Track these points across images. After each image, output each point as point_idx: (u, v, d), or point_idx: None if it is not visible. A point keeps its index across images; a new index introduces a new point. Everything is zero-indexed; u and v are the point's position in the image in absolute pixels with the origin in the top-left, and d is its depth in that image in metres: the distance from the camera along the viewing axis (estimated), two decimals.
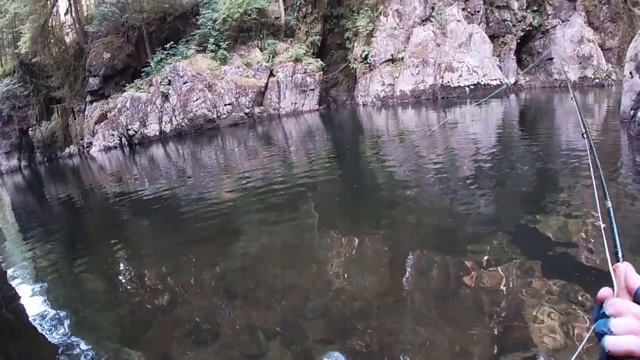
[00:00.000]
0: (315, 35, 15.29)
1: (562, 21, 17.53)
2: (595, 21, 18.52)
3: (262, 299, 2.62)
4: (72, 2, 20.46)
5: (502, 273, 2.44)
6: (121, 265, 4.07)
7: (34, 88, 21.17)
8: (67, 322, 2.89)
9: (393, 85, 14.52)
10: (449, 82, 14.75)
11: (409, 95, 14.45)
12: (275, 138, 12.16)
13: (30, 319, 3.08)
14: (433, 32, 14.95)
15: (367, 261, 2.99)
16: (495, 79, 15.22)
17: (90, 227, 6.18)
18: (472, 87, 14.85)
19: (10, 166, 21.49)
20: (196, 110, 14.45)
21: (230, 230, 4.18)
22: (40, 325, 2.90)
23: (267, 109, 14.54)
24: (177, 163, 11.37)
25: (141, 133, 15.23)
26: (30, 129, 20.66)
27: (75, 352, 2.44)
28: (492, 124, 10.27)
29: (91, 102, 17.49)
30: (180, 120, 14.63)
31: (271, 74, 14.62)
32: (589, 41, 17.36)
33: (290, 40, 15.00)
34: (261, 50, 14.94)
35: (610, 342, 0.38)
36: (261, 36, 14.99)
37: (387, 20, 14.93)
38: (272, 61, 14.62)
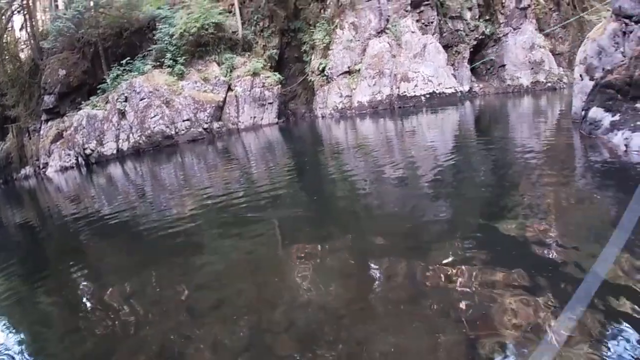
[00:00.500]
0: (273, 49, 15.40)
1: (514, 29, 18.31)
2: (546, 27, 19.45)
3: (227, 315, 2.60)
4: (27, 17, 19.86)
5: (466, 274, 2.50)
6: (82, 288, 4.00)
7: None
8: (27, 350, 2.83)
9: (351, 96, 14.78)
10: (405, 92, 15.14)
11: (366, 106, 14.74)
12: (234, 153, 12.14)
13: None
14: (388, 43, 15.33)
15: (331, 271, 3.00)
16: (450, 87, 15.72)
17: (49, 250, 6.06)
18: (427, 96, 15.29)
19: None
20: (154, 127, 14.26)
21: (192, 248, 4.16)
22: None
23: (226, 124, 14.51)
24: (135, 182, 11.20)
25: (98, 152, 14.89)
26: None
27: None
28: (448, 130, 10.60)
29: (47, 120, 16.99)
30: (138, 138, 14.40)
31: (229, 89, 14.62)
32: (540, 47, 18.19)
33: (248, 55, 15.05)
34: (219, 64, 14.92)
35: None
36: (219, 50, 14.98)
37: (343, 33, 15.21)
38: (230, 75, 14.62)
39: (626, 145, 4.69)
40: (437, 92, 15.58)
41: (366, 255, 3.15)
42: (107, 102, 15.35)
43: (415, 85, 15.40)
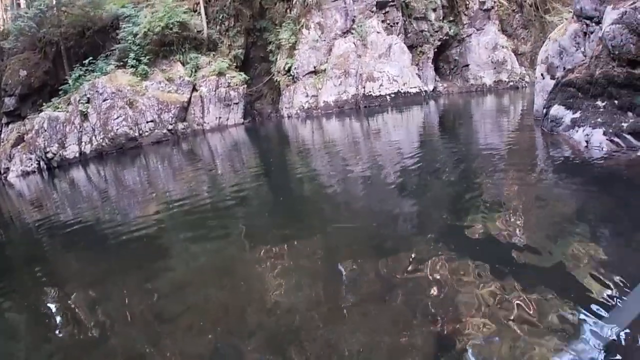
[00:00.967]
0: (239, 49, 15.39)
1: (477, 30, 18.87)
2: (509, 28, 20.10)
3: (194, 322, 2.56)
4: None
5: (433, 271, 2.56)
6: (46, 297, 3.91)
7: None
8: None
9: (317, 96, 14.95)
10: (370, 91, 15.42)
11: (332, 106, 14.94)
12: (200, 154, 12.12)
13: None
14: (354, 43, 15.56)
15: (299, 273, 3.00)
16: (415, 87, 16.09)
17: (10, 260, 5.92)
18: (392, 95, 15.61)
19: None
20: (117, 129, 14.06)
21: (158, 252, 4.12)
22: None
23: (190, 125, 14.44)
24: (99, 186, 11.05)
25: (60, 155, 14.56)
26: None
27: None
28: (414, 129, 10.87)
29: (7, 124, 16.48)
30: (101, 140, 14.17)
31: (194, 89, 14.54)
32: (502, 47, 18.80)
33: (213, 54, 15.00)
34: (183, 64, 14.82)
35: None
36: (183, 50, 14.87)
37: (309, 33, 15.35)
38: (195, 75, 14.55)
39: (587, 142, 4.89)
40: (402, 91, 15.93)
41: (334, 255, 3.18)
42: (69, 104, 15.02)
43: (381, 85, 15.70)
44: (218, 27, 15.31)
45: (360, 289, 2.60)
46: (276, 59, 15.37)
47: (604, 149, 4.62)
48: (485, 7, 18.56)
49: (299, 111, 14.79)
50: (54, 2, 16.89)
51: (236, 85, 14.47)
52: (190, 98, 14.33)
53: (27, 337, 3.18)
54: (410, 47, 17.02)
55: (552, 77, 6.41)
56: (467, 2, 18.39)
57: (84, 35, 16.12)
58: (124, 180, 11.29)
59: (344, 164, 6.74)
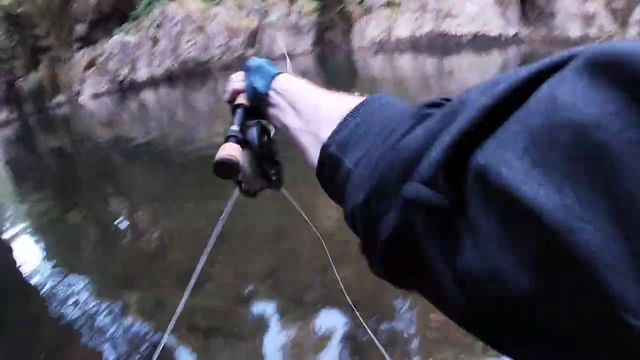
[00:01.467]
0: None
1: None
2: None
3: (251, 244, 2.62)
4: None
5: None
6: (112, 211, 4.06)
7: (20, 39, 20.44)
8: (61, 274, 2.87)
9: (390, 30, 14.09)
10: (447, 29, 14.33)
11: (406, 41, 14.06)
12: None
13: (23, 273, 3.06)
14: None
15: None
16: (496, 30, 14.79)
17: (82, 175, 6.19)
18: (471, 36, 14.45)
19: None
20: (187, 54, 14.04)
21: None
22: (35, 279, 2.88)
23: (259, 51, 14.13)
24: (168, 107, 11.20)
25: (130, 78, 14.86)
26: (17, 80, 20.10)
27: (68, 300, 2.45)
28: (490, 75, 10.10)
29: (79, 49, 16.95)
30: (171, 64, 14.24)
31: (264, 15, 14.12)
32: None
33: None
34: None
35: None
36: None
37: None
38: (266, 2, 14.09)
39: None
40: (482, 32, 14.68)
41: None
42: (139, 29, 15.12)
43: (459, 24, 14.53)
44: None
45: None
46: None
47: None
48: None
49: (370, 44, 14.06)
50: None
51: (307, 13, 13.90)
52: (259, 24, 13.95)
53: (92, 246, 3.28)
54: None
55: None
56: None
57: None
58: (192, 103, 11.32)
59: (413, 102, 6.43)
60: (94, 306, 2.37)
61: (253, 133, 0.48)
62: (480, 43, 14.26)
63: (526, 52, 14.65)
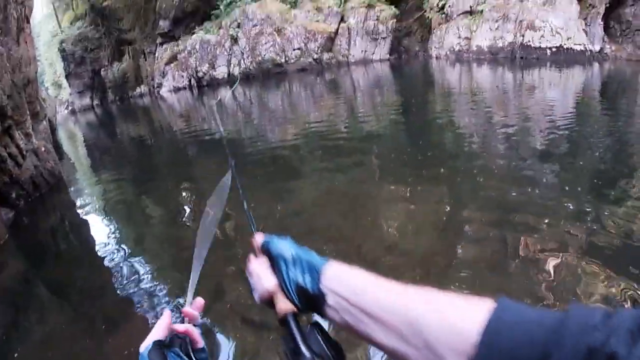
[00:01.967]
0: None
1: None
2: None
3: (315, 245, 2.54)
4: None
5: (557, 255, 2.30)
6: (184, 201, 4.25)
7: (105, 31, 22.22)
8: (129, 252, 3.06)
9: (469, 39, 13.81)
10: (529, 41, 13.80)
11: (485, 52, 13.72)
12: (342, 86, 12.13)
13: (95, 247, 3.31)
14: None
15: (422, 220, 2.93)
16: (580, 44, 14.03)
17: (158, 164, 6.46)
18: (554, 49, 13.82)
19: (83, 105, 23.13)
20: (264, 54, 14.62)
21: (290, 174, 4.24)
22: (104, 253, 3.11)
23: (335, 56, 14.42)
24: (244, 105, 11.70)
25: (210, 75, 15.72)
26: (102, 69, 21.92)
27: (134, 281, 2.59)
28: (572, 92, 9.60)
29: (161, 44, 18.15)
30: (249, 64, 14.90)
31: (342, 20, 14.36)
32: None
33: None
34: None
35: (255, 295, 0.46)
36: None
37: None
38: (344, 6, 14.31)
39: None
40: (565, 47, 14.02)
41: (459, 212, 2.96)
42: (220, 28, 15.94)
43: (542, 36, 13.95)
44: None
45: (478, 253, 2.40)
46: None
47: None
48: None
49: (448, 52, 13.88)
50: None
51: (385, 19, 13.95)
52: (337, 29, 14.22)
53: (163, 232, 3.41)
54: None
55: None
56: None
57: None
58: (267, 102, 11.72)
59: (490, 118, 6.13)
60: (152, 289, 2.46)
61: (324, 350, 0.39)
62: (564, 57, 13.61)
63: (611, 69, 13.76)
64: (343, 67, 14.26)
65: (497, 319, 0.30)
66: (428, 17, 14.09)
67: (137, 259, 2.95)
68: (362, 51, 14.22)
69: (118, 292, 2.56)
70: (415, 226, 2.87)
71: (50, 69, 30.57)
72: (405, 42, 13.97)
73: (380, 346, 0.35)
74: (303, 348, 0.38)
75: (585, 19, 15.30)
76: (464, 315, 0.31)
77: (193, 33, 16.58)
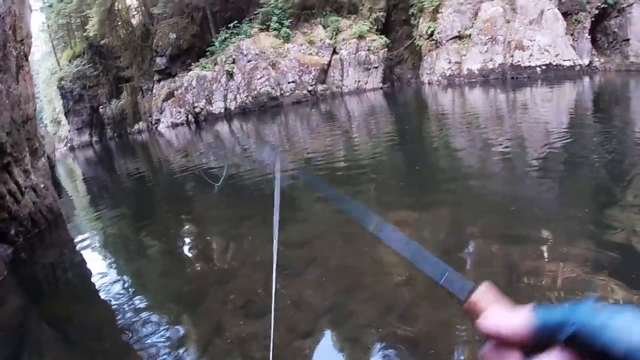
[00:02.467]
0: (379, 12, 15.08)
1: None
2: None
3: (314, 277, 2.65)
4: None
5: (562, 268, 2.33)
6: (183, 236, 4.24)
7: (104, 68, 22.72)
8: (128, 288, 3.06)
9: (460, 63, 14.10)
10: (519, 61, 14.08)
11: (476, 74, 13.99)
12: (337, 116, 12.31)
13: (94, 284, 3.30)
14: (502, 7, 14.25)
15: (424, 244, 2.86)
16: (569, 60, 14.32)
17: (157, 198, 6.50)
18: (543, 67, 14.10)
19: (82, 141, 23.42)
20: (260, 88, 14.89)
21: (290, 207, 4.25)
22: (103, 290, 3.10)
23: (330, 87, 14.69)
24: (241, 139, 11.82)
25: (207, 110, 15.98)
26: (100, 106, 22.29)
27: (133, 317, 2.56)
28: (564, 107, 9.74)
29: (158, 80, 18.53)
30: (245, 98, 15.16)
31: (334, 52, 14.70)
32: None
33: (354, 17, 14.91)
34: (324, 27, 15.00)
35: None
36: (324, 13, 15.02)
37: None
38: (336, 38, 14.66)
39: None
40: (554, 63, 14.31)
41: (461, 233, 3.00)
42: (215, 64, 16.29)
43: (531, 55, 14.25)
44: None
45: (482, 273, 2.41)
46: (418, 22, 14.77)
47: None
48: None
49: (440, 78, 14.15)
50: None
51: (376, 48, 14.28)
52: (330, 61, 14.53)
53: (161, 267, 3.41)
54: (565, 15, 15.10)
55: None
56: None
57: (228, 1, 17.18)
58: (265, 135, 11.86)
59: (485, 137, 6.23)
60: (153, 324, 2.43)
61: None
62: (554, 74, 13.86)
63: (601, 81, 13.97)
64: (337, 98, 14.50)
65: None
66: (418, 44, 14.43)
67: (135, 294, 2.94)
68: (355, 81, 14.49)
69: (117, 327, 2.53)
70: None
71: (49, 106, 31.13)
72: (397, 70, 14.27)
73: None
74: None
75: (572, 34, 15.66)
76: None
77: (189, 69, 16.94)
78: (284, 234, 3.53)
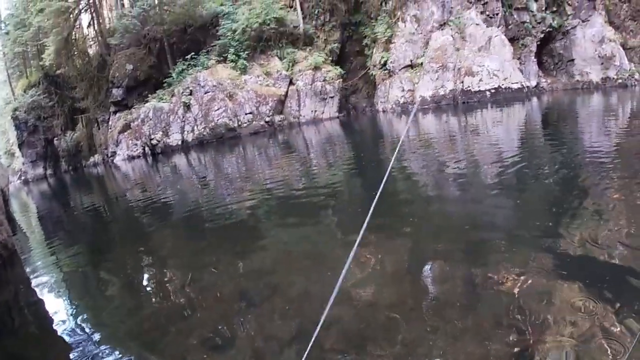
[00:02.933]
0: (334, 43, 15.42)
1: (582, 21, 17.26)
2: (616, 20, 18.17)
3: (278, 306, 2.65)
4: (94, 15, 21.10)
5: (525, 284, 2.39)
6: (143, 271, 4.16)
7: (59, 99, 21.89)
8: (87, 326, 2.98)
9: (413, 90, 14.53)
10: (469, 86, 14.68)
11: (429, 101, 14.43)
12: (295, 146, 12.28)
13: (51, 322, 3.20)
14: (452, 36, 14.92)
15: (385, 269, 2.98)
16: (516, 82, 15.07)
17: (114, 234, 6.33)
18: (492, 91, 14.75)
19: (36, 174, 22.24)
20: (217, 120, 14.71)
21: (250, 237, 4.27)
22: (61, 328, 3.01)
23: (287, 117, 14.71)
24: (199, 171, 11.56)
25: (164, 142, 15.57)
26: (55, 138, 21.34)
27: (93, 355, 2.49)
28: (515, 128, 10.17)
29: (115, 112, 17.98)
30: (202, 130, 14.91)
31: (291, 83, 14.80)
32: (610, 41, 17.04)
33: (309, 49, 15.16)
34: (280, 59, 15.14)
35: None
36: (280, 45, 15.19)
37: (405, 25, 14.96)
38: (292, 70, 14.80)
39: None
40: (503, 87, 15.01)
41: (421, 256, 3.06)
42: (172, 95, 16.02)
43: (480, 80, 14.90)
44: (314, 22, 15.46)
45: (444, 294, 2.48)
46: (372, 52, 15.18)
47: None
48: None
49: (394, 106, 14.48)
50: (156, 2, 18.14)
51: (332, 79, 14.50)
52: (287, 91, 14.61)
53: (120, 302, 3.39)
54: (512, 40, 16.00)
55: None
56: None
57: (185, 32, 17.10)
58: (223, 167, 11.68)
59: (440, 161, 6.44)
60: (113, 359, 2.38)
61: None
62: (503, 96, 14.50)
63: (549, 101, 14.75)
64: (295, 128, 14.52)
65: None
66: (372, 74, 14.79)
67: (94, 332, 2.85)
68: (312, 111, 14.60)
69: None
70: (378, 277, 2.85)
71: (2, 137, 29.58)
72: (352, 99, 14.51)
73: None
74: None
75: (519, 58, 16.57)
76: None
77: (146, 101, 16.57)
78: (243, 266, 3.50)
